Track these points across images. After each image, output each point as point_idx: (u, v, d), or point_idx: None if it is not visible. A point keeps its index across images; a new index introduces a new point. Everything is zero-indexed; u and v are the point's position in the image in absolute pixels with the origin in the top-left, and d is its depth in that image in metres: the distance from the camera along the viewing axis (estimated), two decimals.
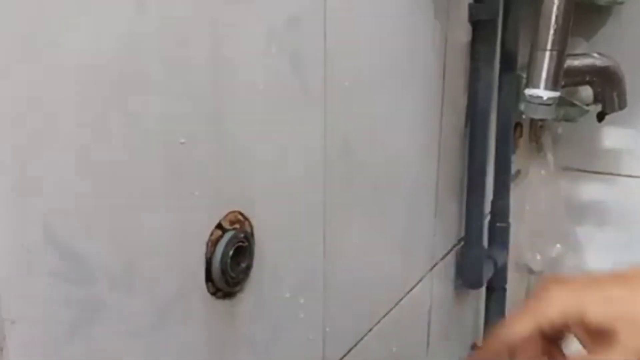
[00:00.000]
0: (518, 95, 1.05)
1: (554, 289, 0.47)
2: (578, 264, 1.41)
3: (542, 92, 0.73)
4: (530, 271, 1.44)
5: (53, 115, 0.36)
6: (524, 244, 1.38)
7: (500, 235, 1.08)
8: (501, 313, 1.12)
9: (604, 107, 1.00)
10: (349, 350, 0.70)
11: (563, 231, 1.40)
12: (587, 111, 1.09)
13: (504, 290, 1.12)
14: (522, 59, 1.02)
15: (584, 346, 0.46)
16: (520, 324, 0.48)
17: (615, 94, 0.95)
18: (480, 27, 0.92)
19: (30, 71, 0.35)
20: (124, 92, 0.40)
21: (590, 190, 1.38)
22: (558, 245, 1.41)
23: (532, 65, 0.73)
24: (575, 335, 0.46)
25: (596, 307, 0.45)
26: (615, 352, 0.43)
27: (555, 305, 0.46)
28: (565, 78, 0.76)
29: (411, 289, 0.86)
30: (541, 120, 1.19)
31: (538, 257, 1.41)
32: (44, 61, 0.35)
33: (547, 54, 0.71)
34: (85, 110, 0.38)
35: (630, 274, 0.46)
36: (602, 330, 0.44)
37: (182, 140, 0.45)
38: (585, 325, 0.45)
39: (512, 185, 1.10)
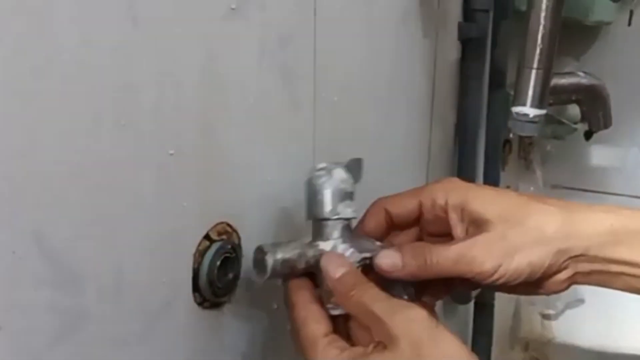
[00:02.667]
0: (507, 113, 1.06)
1: (443, 180, 0.53)
2: None
3: (529, 110, 0.74)
4: None
5: (44, 123, 0.37)
6: None
7: None
8: (490, 329, 1.13)
9: (590, 125, 1.02)
10: None
11: None
12: (575, 129, 1.10)
13: (492, 306, 1.13)
14: (511, 77, 1.04)
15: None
16: (405, 198, 0.53)
17: (600, 113, 0.96)
18: (469, 45, 0.93)
19: (21, 80, 0.35)
20: (115, 102, 0.41)
21: None
22: None
23: (518, 83, 0.74)
24: (450, 222, 0.51)
25: (478, 198, 0.50)
26: (481, 238, 0.48)
27: (441, 190, 0.52)
28: (552, 96, 0.77)
29: None
30: (529, 137, 1.20)
31: None
32: (35, 70, 0.36)
33: (534, 72, 0.72)
34: (76, 119, 0.39)
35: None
36: (477, 219, 0.49)
37: (172, 152, 0.46)
38: (463, 213, 0.50)
39: None
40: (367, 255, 0.50)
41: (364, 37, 0.68)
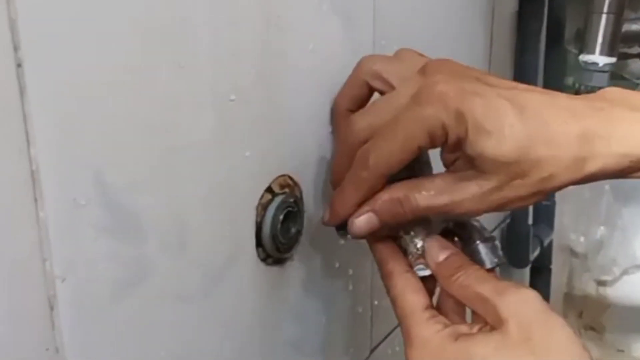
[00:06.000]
0: (564, 71, 1.02)
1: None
2: (623, 247, 1.37)
3: (598, 58, 0.70)
4: (573, 253, 1.41)
5: (101, 65, 0.34)
6: (568, 225, 1.34)
7: (545, 213, 1.05)
8: (547, 294, 1.09)
9: None
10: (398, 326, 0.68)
11: (608, 213, 1.36)
12: (637, 85, 1.05)
13: (549, 270, 1.09)
14: (569, 32, 0.99)
15: None
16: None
17: None
18: None
19: (76, 17, 0.33)
20: (173, 43, 0.38)
21: None
22: (602, 228, 1.38)
23: (587, 30, 0.70)
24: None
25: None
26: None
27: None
28: (622, 44, 0.72)
29: None
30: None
31: (582, 238, 1.37)
32: (91, 8, 0.33)
33: (604, 17, 0.68)
34: (133, 60, 0.36)
35: None
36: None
37: (233, 97, 0.43)
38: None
39: None
40: None
41: None
